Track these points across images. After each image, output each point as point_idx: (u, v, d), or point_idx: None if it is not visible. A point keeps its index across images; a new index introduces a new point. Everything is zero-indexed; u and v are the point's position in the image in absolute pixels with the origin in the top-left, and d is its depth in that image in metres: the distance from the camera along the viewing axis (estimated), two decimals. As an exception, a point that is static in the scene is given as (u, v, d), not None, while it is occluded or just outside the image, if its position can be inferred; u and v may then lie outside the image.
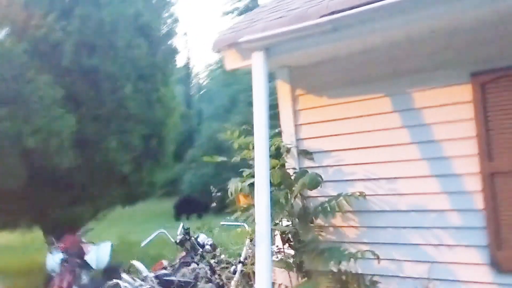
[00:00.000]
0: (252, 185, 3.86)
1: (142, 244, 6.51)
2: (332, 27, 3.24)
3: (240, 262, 5.34)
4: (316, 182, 3.60)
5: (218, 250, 6.54)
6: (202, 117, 35.99)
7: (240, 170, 4.29)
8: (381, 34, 3.30)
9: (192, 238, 6.48)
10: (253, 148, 3.83)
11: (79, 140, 9.34)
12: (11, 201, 9.33)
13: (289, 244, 3.98)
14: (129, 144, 10.05)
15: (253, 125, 4.16)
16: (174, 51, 11.02)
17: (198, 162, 25.52)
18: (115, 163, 9.83)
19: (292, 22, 3.41)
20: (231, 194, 3.80)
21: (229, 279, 5.69)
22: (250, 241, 4.95)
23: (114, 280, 5.04)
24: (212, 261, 6.28)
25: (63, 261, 7.33)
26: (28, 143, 8.23)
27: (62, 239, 7.75)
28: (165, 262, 5.94)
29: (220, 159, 4.22)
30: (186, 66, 39.39)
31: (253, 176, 4.04)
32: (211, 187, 5.11)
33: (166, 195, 24.33)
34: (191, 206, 21.79)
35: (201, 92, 44.52)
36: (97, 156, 9.64)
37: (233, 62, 3.98)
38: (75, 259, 7.50)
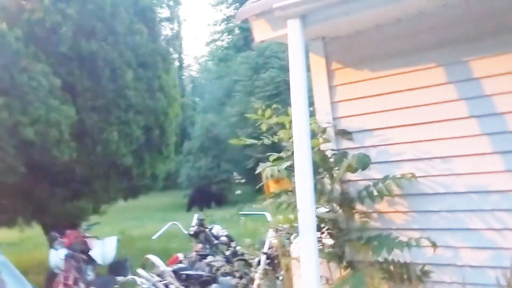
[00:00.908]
0: (288, 168, 3.51)
1: (154, 237, 6.14)
2: (383, -14, 2.87)
3: (264, 253, 5.00)
4: (364, 163, 3.23)
5: (234, 242, 6.21)
6: (196, 110, 35.50)
7: (268, 154, 3.92)
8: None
9: (207, 230, 6.14)
10: (290, 127, 3.48)
11: (78, 132, 8.93)
12: (9, 196, 8.91)
13: (328, 233, 3.62)
14: (130, 135, 9.66)
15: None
16: (175, 36, 10.57)
17: (195, 155, 25.17)
18: (116, 155, 9.43)
19: (335, -16, 3.02)
20: (266, 178, 3.43)
21: (249, 271, 5.36)
22: (277, 231, 4.59)
23: (129, 276, 4.65)
24: (227, 253, 5.96)
25: (68, 257, 6.97)
26: (26, 134, 7.80)
27: (65, 234, 7.38)
28: (180, 256, 5.57)
29: (249, 141, 3.84)
30: (179, 57, 38.82)
31: (285, 159, 3.70)
32: (234, 173, 4.72)
33: (162, 189, 24.03)
34: (205, 198, 21.57)
35: (193, 85, 44.08)
36: (98, 148, 9.23)
37: (262, 33, 3.60)
38: (80, 255, 7.15)
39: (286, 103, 3.91)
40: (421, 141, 3.34)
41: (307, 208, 2.99)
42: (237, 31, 41.62)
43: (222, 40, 43.71)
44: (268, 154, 3.92)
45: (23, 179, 8.30)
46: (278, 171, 3.39)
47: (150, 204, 23.20)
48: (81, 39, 8.55)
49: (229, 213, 16.98)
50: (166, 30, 9.50)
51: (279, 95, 23.00)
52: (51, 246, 7.34)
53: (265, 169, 3.56)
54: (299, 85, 3.16)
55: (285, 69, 25.33)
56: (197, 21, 72.87)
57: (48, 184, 8.99)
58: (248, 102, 25.81)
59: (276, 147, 3.86)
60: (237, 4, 41.64)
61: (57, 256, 6.94)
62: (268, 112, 3.71)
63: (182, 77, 40.75)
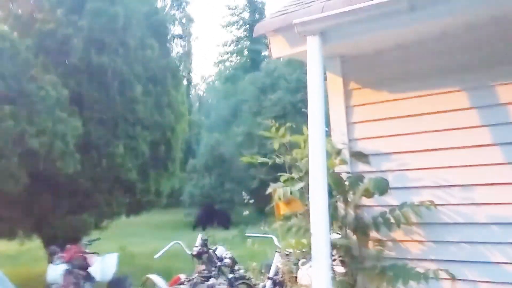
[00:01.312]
0: (301, 190, 3.36)
1: (156, 256, 5.96)
2: (408, 5, 2.77)
3: (269, 278, 4.82)
4: (383, 188, 3.07)
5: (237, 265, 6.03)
6: (201, 128, 35.45)
7: (279, 174, 3.79)
8: (463, 14, 2.83)
9: (210, 251, 5.96)
10: (304, 147, 3.36)
11: (84, 144, 8.85)
12: (10, 207, 8.78)
13: (340, 260, 3.45)
14: (136, 150, 9.57)
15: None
16: (187, 53, 10.54)
17: (199, 173, 25.01)
18: (121, 170, 9.32)
19: (358, 1, 2.93)
20: (278, 199, 3.28)
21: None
22: (286, 255, 4.41)
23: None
24: (230, 276, 5.78)
25: (66, 272, 6.79)
26: (31, 144, 7.71)
27: (64, 249, 7.21)
28: (182, 276, 5.39)
29: (261, 160, 3.70)
30: (187, 75, 38.93)
31: (297, 180, 3.57)
32: (243, 193, 4.57)
33: (163, 206, 23.78)
34: (211, 217, 21.32)
35: (198, 103, 44.16)
36: (103, 162, 9.13)
37: (279, 49, 3.49)
38: (79, 271, 6.97)
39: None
40: (441, 167, 3.19)
41: (321, 233, 2.84)
42: (245, 52, 41.97)
43: (231, 61, 43.97)
44: (279, 174, 3.78)
45: (25, 189, 8.19)
46: (291, 192, 3.23)
47: (150, 221, 22.95)
48: (91, 51, 8.52)
49: (231, 234, 16.80)
50: (177, 47, 9.52)
51: (285, 117, 22.94)
52: (50, 260, 7.18)
53: (276, 190, 3.41)
54: (317, 104, 3.04)
55: (292, 91, 25.43)
56: (206, 41, 73.29)
57: (51, 196, 8.87)
58: (254, 122, 25.77)
59: (281, 167, 3.73)
60: (247, 26, 42.07)
61: (55, 271, 6.77)
62: (282, 130, 3.58)
63: (190, 95, 40.84)
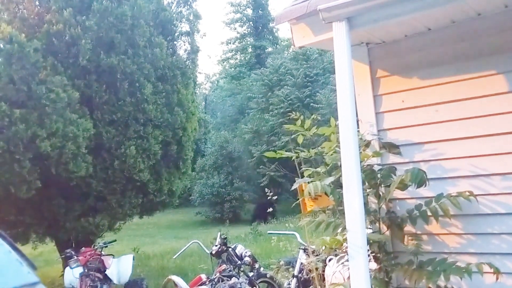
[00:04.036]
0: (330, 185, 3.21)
1: (175, 256, 5.85)
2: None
3: (294, 276, 4.68)
4: (421, 180, 2.90)
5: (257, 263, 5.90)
6: (207, 127, 35.34)
7: (303, 168, 3.65)
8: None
9: (230, 249, 5.84)
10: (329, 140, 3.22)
11: (95, 146, 8.74)
12: (22, 211, 8.69)
13: (373, 256, 3.30)
14: (148, 150, 9.45)
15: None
16: (195, 50, 10.41)
17: (208, 172, 24.93)
18: (133, 171, 9.20)
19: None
20: (308, 194, 3.12)
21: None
22: (313, 253, 4.27)
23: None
24: (251, 274, 5.65)
25: (83, 275, 6.69)
26: (43, 147, 7.60)
27: (80, 252, 7.12)
28: (203, 277, 5.26)
29: (286, 154, 3.56)
30: (193, 73, 38.75)
31: (323, 174, 3.43)
32: (266, 189, 4.42)
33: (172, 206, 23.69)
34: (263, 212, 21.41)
35: (205, 102, 44.08)
36: (115, 163, 9.02)
37: (302, 38, 3.33)
38: (96, 274, 6.87)
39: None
40: (479, 155, 3.03)
41: (357, 229, 2.70)
42: (250, 49, 41.80)
43: (235, 59, 43.80)
44: (303, 168, 3.65)
45: (38, 193, 8.09)
46: (321, 187, 3.08)
47: (161, 221, 22.92)
48: (100, 52, 8.40)
49: (244, 231, 16.70)
50: (185, 44, 9.37)
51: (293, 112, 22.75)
52: (66, 264, 7.08)
53: (304, 185, 3.27)
54: (347, 93, 2.88)
55: (299, 86, 25.23)
56: (209, 40, 73.25)
57: (63, 199, 8.78)
58: (262, 119, 25.63)
59: (290, 164, 3.59)
60: (251, 22, 41.88)
61: (72, 274, 6.67)
62: (308, 123, 3.43)
63: (196, 94, 40.71)
